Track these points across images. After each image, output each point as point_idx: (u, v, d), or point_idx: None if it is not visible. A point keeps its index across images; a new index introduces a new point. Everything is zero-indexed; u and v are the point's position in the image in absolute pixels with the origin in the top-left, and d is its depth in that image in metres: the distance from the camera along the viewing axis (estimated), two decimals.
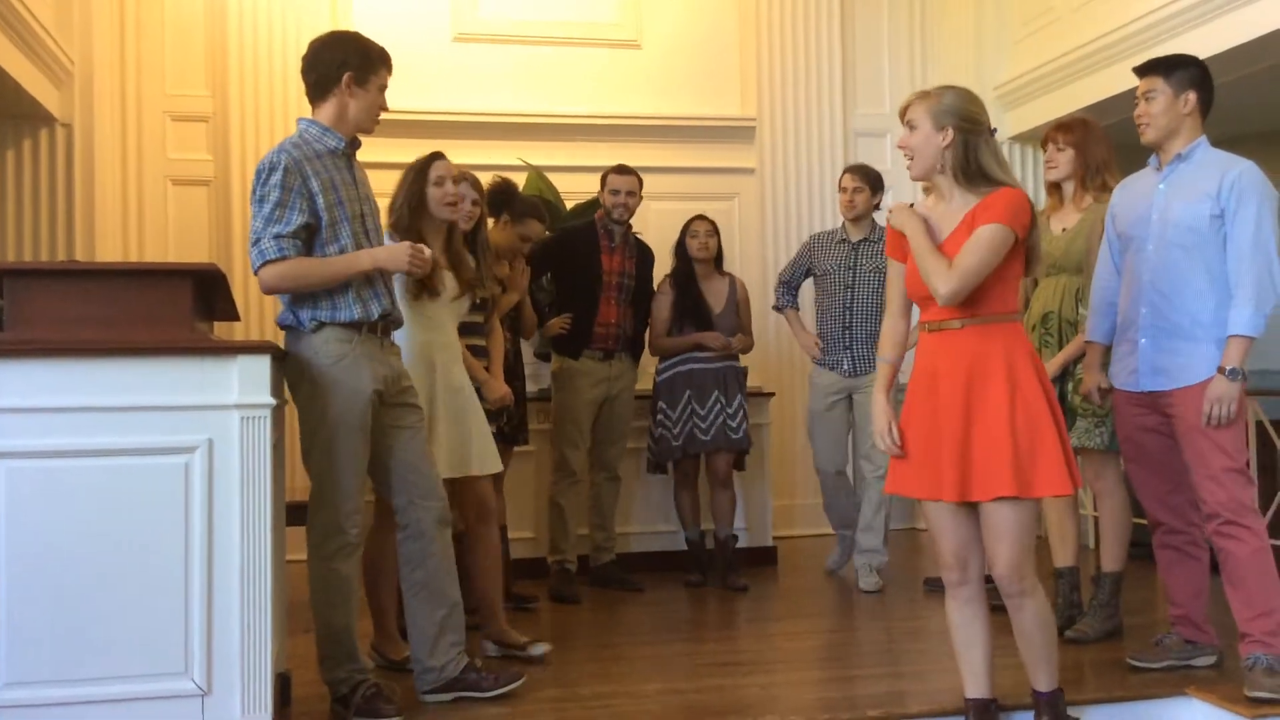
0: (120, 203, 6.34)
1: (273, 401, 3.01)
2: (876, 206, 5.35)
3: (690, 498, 5.48)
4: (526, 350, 5.26)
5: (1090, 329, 3.88)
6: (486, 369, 4.32)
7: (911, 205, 3.18)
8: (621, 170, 5.31)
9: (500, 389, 4.33)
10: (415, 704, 3.42)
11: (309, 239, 3.24)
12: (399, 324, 3.50)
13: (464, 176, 4.62)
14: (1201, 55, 3.76)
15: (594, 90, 6.92)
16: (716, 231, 5.49)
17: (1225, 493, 3.43)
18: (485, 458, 3.97)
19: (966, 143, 2.97)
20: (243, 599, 2.95)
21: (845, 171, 5.43)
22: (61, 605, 2.86)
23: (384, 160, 5.86)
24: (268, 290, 3.24)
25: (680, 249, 5.47)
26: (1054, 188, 4.36)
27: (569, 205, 6.15)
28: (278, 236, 3.16)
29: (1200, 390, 3.44)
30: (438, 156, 3.99)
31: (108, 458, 2.89)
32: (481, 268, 4.20)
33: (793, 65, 7.12)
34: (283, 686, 3.40)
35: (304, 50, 3.41)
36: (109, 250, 6.11)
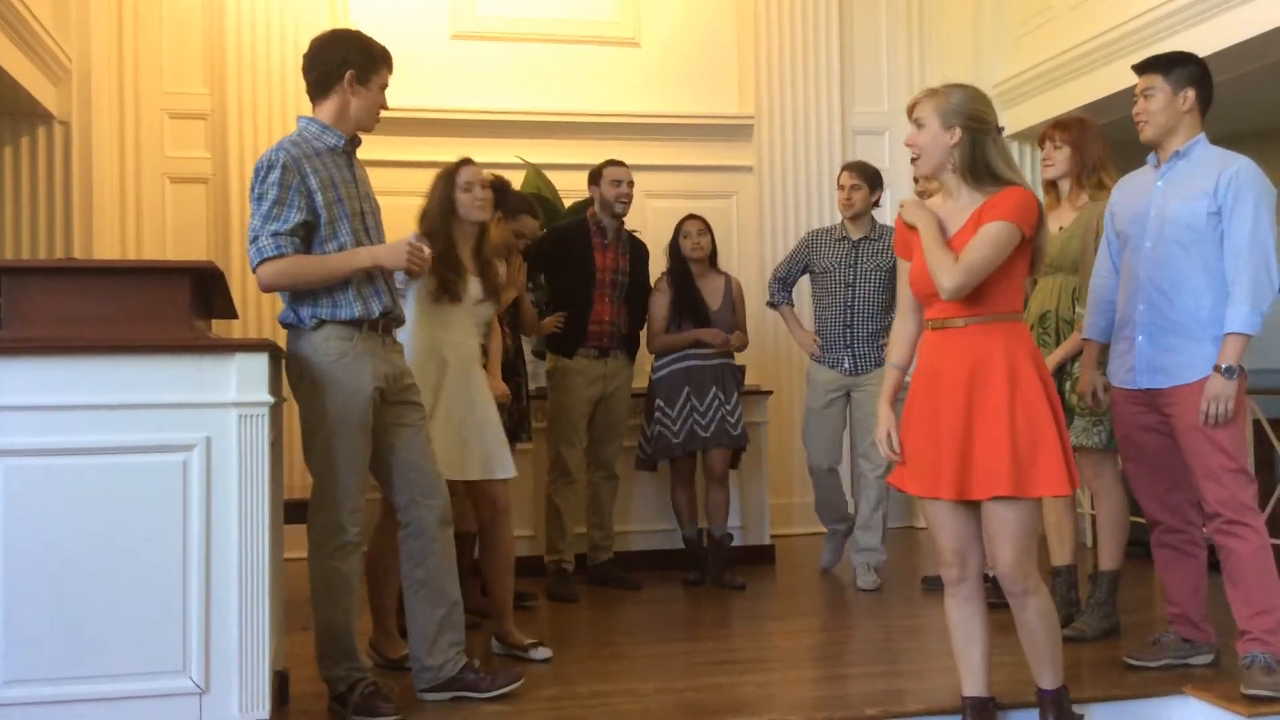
0: (118, 200, 6.34)
1: (271, 399, 3.01)
2: (875, 204, 5.35)
3: (687, 496, 5.48)
4: (526, 347, 5.25)
5: (1087, 327, 3.88)
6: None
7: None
8: (617, 162, 5.31)
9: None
10: (413, 703, 3.42)
11: (308, 237, 3.24)
12: (401, 322, 3.50)
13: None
14: (1199, 53, 3.76)
15: (592, 88, 6.92)
16: (709, 230, 5.48)
17: (1226, 492, 3.43)
18: (501, 462, 3.98)
19: (974, 142, 2.97)
20: (241, 597, 2.95)
21: (843, 169, 5.42)
22: (60, 603, 2.86)
23: (382, 158, 5.89)
24: (265, 288, 3.24)
25: (674, 249, 5.47)
26: (1051, 186, 4.37)
27: (567, 204, 6.15)
28: (275, 234, 3.16)
29: (1198, 388, 3.44)
30: (466, 162, 4.04)
31: (106, 455, 2.89)
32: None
33: (791, 63, 7.11)
34: (281, 684, 3.40)
35: (302, 48, 3.41)
36: (107, 248, 6.10)
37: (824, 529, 5.59)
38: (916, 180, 5.09)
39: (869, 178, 5.30)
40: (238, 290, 5.35)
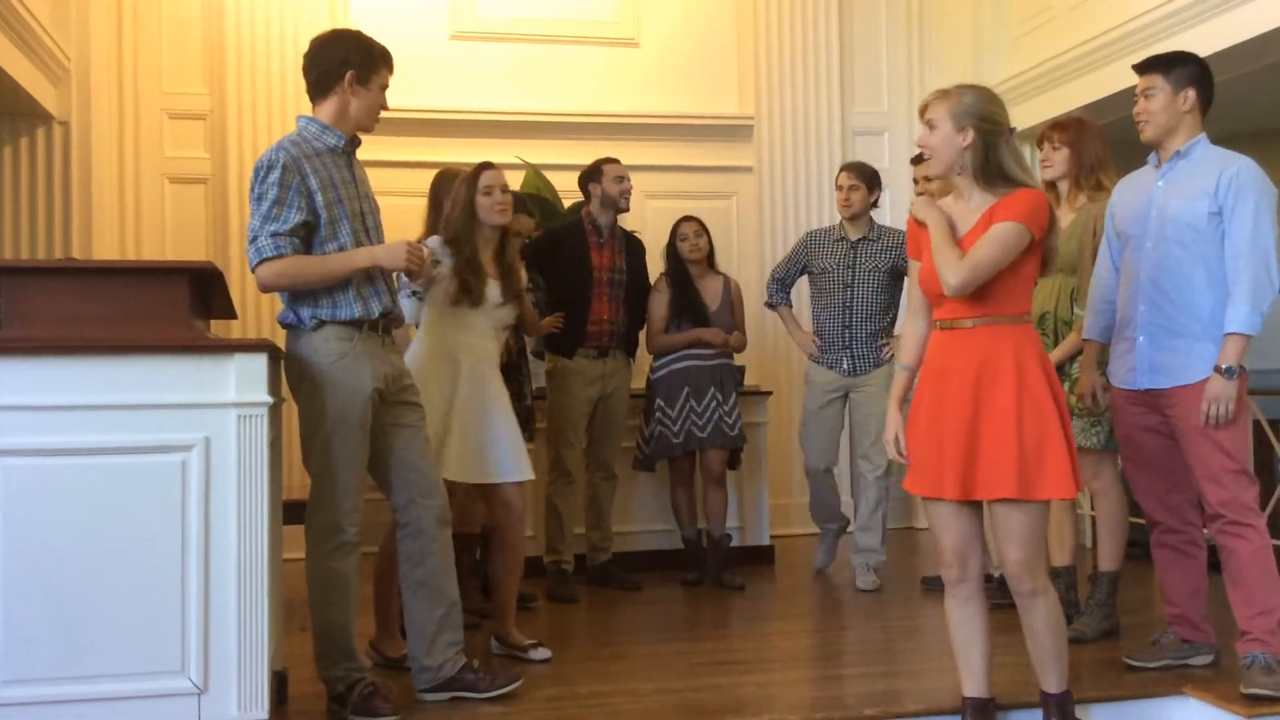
0: (117, 200, 6.33)
1: (270, 400, 3.01)
2: (874, 204, 5.34)
3: (686, 496, 5.48)
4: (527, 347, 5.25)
5: (1087, 327, 3.88)
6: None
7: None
8: (613, 159, 5.31)
9: None
10: (412, 703, 3.42)
11: (307, 237, 3.23)
12: (400, 322, 3.50)
13: (459, 174, 4.63)
14: (1199, 54, 3.76)
15: (592, 88, 6.92)
16: (705, 231, 5.48)
17: (1227, 493, 3.43)
18: (518, 465, 3.98)
19: (987, 143, 2.97)
20: (240, 597, 2.94)
21: (841, 169, 5.42)
22: (58, 603, 2.85)
23: (382, 158, 5.89)
24: (265, 288, 3.24)
25: (671, 251, 5.47)
26: (1049, 187, 4.36)
27: (567, 204, 6.15)
28: (275, 234, 3.16)
29: (1200, 389, 3.44)
30: (487, 166, 4.05)
31: (104, 456, 2.89)
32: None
33: (790, 63, 7.11)
34: (279, 685, 3.40)
35: (302, 48, 3.41)
36: (106, 248, 6.10)
37: (831, 522, 5.54)
38: (916, 181, 5.12)
39: (867, 178, 5.30)
40: (237, 290, 5.34)
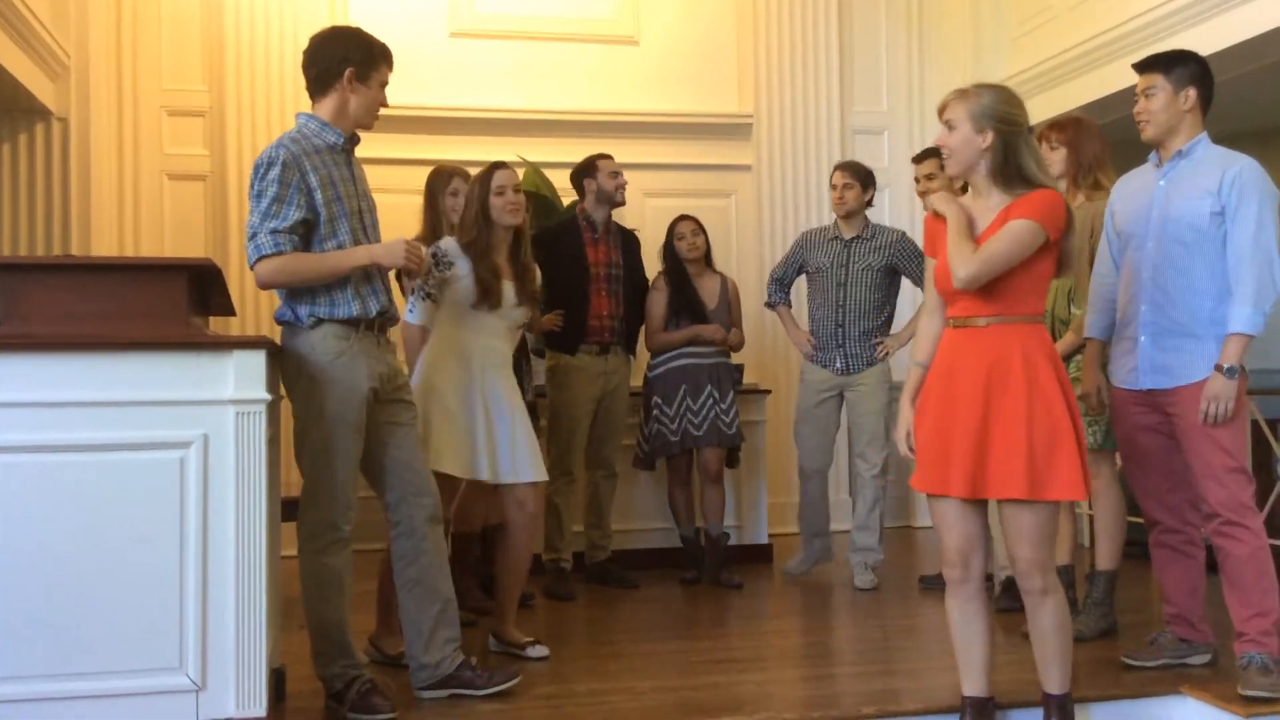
0: (116, 197, 6.33)
1: (268, 397, 3.00)
2: (868, 203, 5.34)
3: (684, 495, 5.48)
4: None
5: (1089, 325, 3.87)
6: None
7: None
8: (605, 155, 5.31)
9: None
10: (410, 700, 3.42)
11: (306, 235, 3.23)
12: (395, 321, 3.50)
13: (455, 173, 4.63)
14: (1199, 53, 3.75)
15: (591, 87, 6.92)
16: (702, 230, 5.48)
17: (1226, 492, 3.43)
18: (533, 465, 3.98)
19: (1006, 144, 2.96)
20: (238, 594, 2.94)
21: (835, 168, 5.42)
22: (56, 600, 2.85)
23: (381, 156, 5.88)
24: (263, 285, 3.24)
25: (668, 250, 5.47)
26: None
27: (566, 202, 6.14)
28: (274, 232, 3.15)
29: (1200, 389, 3.44)
30: (499, 165, 4.04)
31: (103, 453, 2.88)
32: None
33: (790, 62, 7.11)
34: (278, 682, 3.40)
35: (301, 45, 3.41)
36: (105, 245, 6.10)
37: (817, 531, 5.45)
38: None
39: (861, 177, 5.30)
40: (235, 287, 5.34)
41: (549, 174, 6.30)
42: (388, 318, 3.42)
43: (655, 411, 5.35)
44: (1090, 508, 4.43)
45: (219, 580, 2.94)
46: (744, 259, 7.01)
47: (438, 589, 3.46)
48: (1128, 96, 3.98)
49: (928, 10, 7.39)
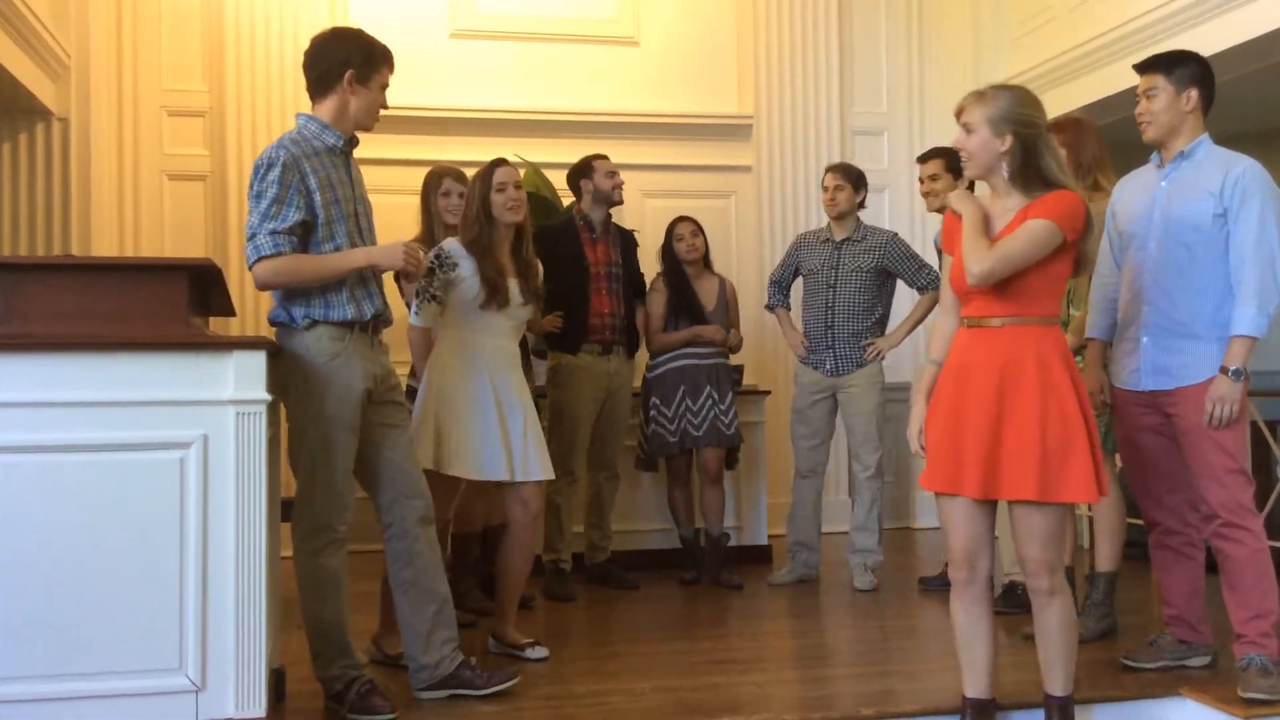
0: (116, 197, 6.33)
1: (268, 397, 3.00)
2: (860, 205, 5.34)
3: (684, 495, 5.48)
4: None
5: (1090, 325, 3.87)
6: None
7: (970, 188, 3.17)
8: (601, 156, 5.31)
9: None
10: (410, 701, 3.42)
11: (305, 236, 3.23)
12: (389, 323, 3.49)
13: (446, 173, 4.63)
14: (1200, 54, 3.75)
15: (591, 87, 6.92)
16: (701, 231, 5.49)
17: (1226, 494, 3.43)
18: (541, 463, 3.97)
19: (1025, 147, 2.95)
20: (238, 595, 2.94)
21: (827, 170, 5.43)
22: (56, 600, 2.85)
23: (381, 156, 5.89)
24: (262, 286, 3.24)
25: (667, 251, 5.47)
26: None
27: (566, 203, 6.14)
28: (274, 232, 3.15)
29: (1202, 390, 3.44)
30: (500, 163, 4.02)
31: (103, 453, 2.88)
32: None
33: (790, 63, 7.12)
34: (278, 682, 3.40)
35: (302, 45, 3.40)
36: (105, 245, 6.10)
37: (804, 539, 5.38)
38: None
39: (852, 178, 5.30)
40: (235, 287, 5.34)
41: (549, 174, 6.31)
42: (382, 320, 3.42)
43: (654, 412, 5.35)
44: (1090, 509, 4.43)
45: (219, 580, 2.94)
46: (744, 260, 7.01)
47: (434, 589, 3.46)
48: (1128, 97, 3.98)
49: (928, 10, 7.40)
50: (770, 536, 6.03)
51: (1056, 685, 3.04)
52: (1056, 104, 6.19)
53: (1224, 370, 3.41)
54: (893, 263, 5.24)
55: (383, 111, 3.45)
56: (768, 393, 6.12)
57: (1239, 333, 3.40)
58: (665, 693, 3.53)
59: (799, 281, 5.50)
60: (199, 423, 2.94)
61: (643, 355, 5.53)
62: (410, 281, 4.04)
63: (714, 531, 5.39)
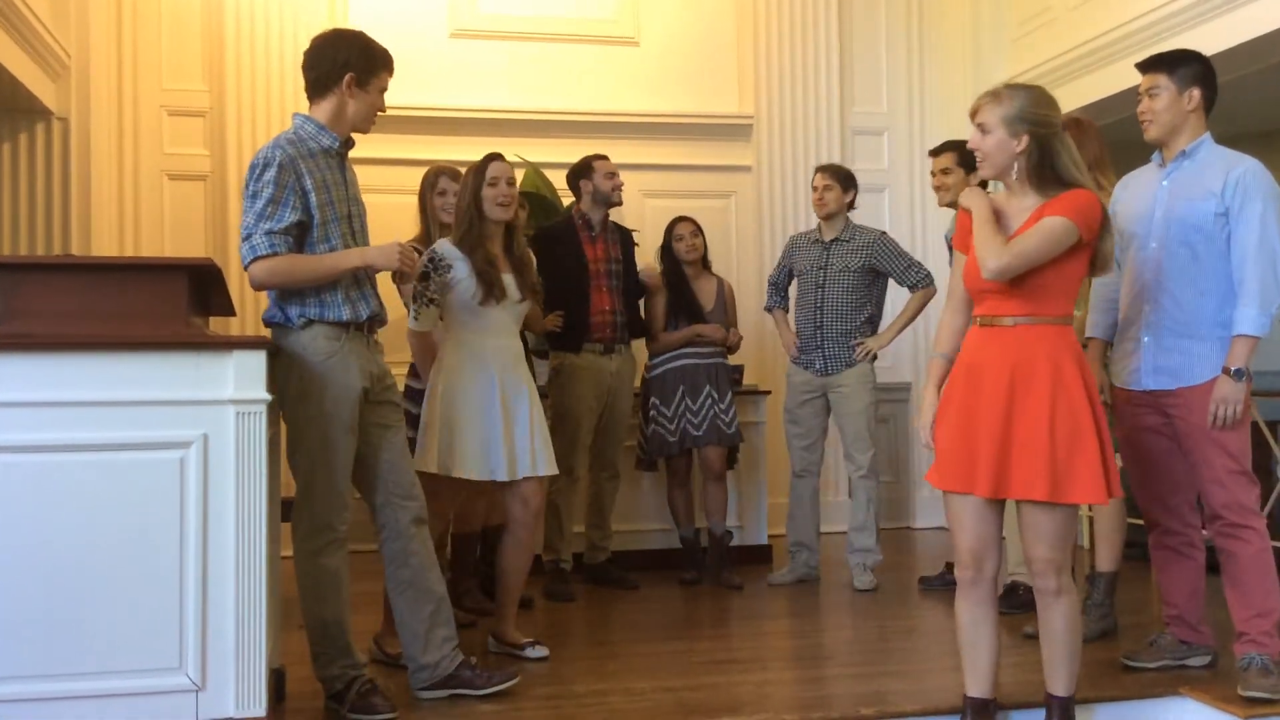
0: (116, 197, 6.33)
1: (268, 397, 3.00)
2: (850, 205, 5.33)
3: (684, 495, 5.48)
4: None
5: (1091, 325, 3.86)
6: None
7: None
8: (601, 156, 5.31)
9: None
10: (410, 701, 3.42)
11: (300, 237, 3.22)
12: (384, 324, 3.49)
13: (442, 172, 4.62)
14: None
15: (591, 87, 6.92)
16: (701, 231, 5.50)
17: (1229, 494, 3.43)
18: (547, 458, 3.97)
19: (1041, 147, 2.94)
20: (238, 594, 2.94)
21: (816, 170, 5.44)
22: (55, 600, 2.85)
23: (380, 156, 5.89)
24: (257, 286, 3.24)
25: (667, 251, 5.47)
26: None
27: (566, 202, 6.14)
28: (269, 233, 3.15)
29: (1204, 390, 3.44)
30: (495, 157, 4.01)
31: (103, 452, 2.88)
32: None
33: (790, 63, 7.11)
34: (278, 682, 3.40)
35: (302, 45, 3.40)
36: (105, 245, 6.09)
37: (803, 539, 5.38)
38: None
39: (841, 178, 5.31)
40: (235, 287, 5.33)
41: (549, 174, 6.31)
42: (377, 320, 3.42)
43: (653, 413, 5.35)
44: (1090, 509, 4.42)
45: (219, 580, 2.94)
46: (744, 259, 7.01)
47: (431, 589, 3.46)
48: (1128, 98, 3.98)
49: (928, 10, 7.39)
50: (770, 536, 6.03)
51: (1059, 685, 3.04)
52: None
53: (1226, 371, 3.40)
54: (881, 261, 5.24)
55: (381, 113, 3.44)
56: (768, 393, 6.11)
57: (1241, 333, 3.39)
58: (665, 693, 3.53)
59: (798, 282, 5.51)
60: (199, 422, 2.94)
61: (642, 356, 5.53)
62: (405, 283, 4.04)
63: (716, 530, 5.39)
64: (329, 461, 3.25)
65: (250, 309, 6.13)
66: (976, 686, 3.08)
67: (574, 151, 5.61)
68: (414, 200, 4.72)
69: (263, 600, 2.97)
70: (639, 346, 5.51)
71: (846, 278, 5.23)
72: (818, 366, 5.28)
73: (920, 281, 5.22)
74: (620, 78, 6.97)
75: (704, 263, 5.54)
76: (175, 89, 6.47)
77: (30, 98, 5.48)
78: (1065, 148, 2.97)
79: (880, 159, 7.24)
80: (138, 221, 6.40)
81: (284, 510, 3.65)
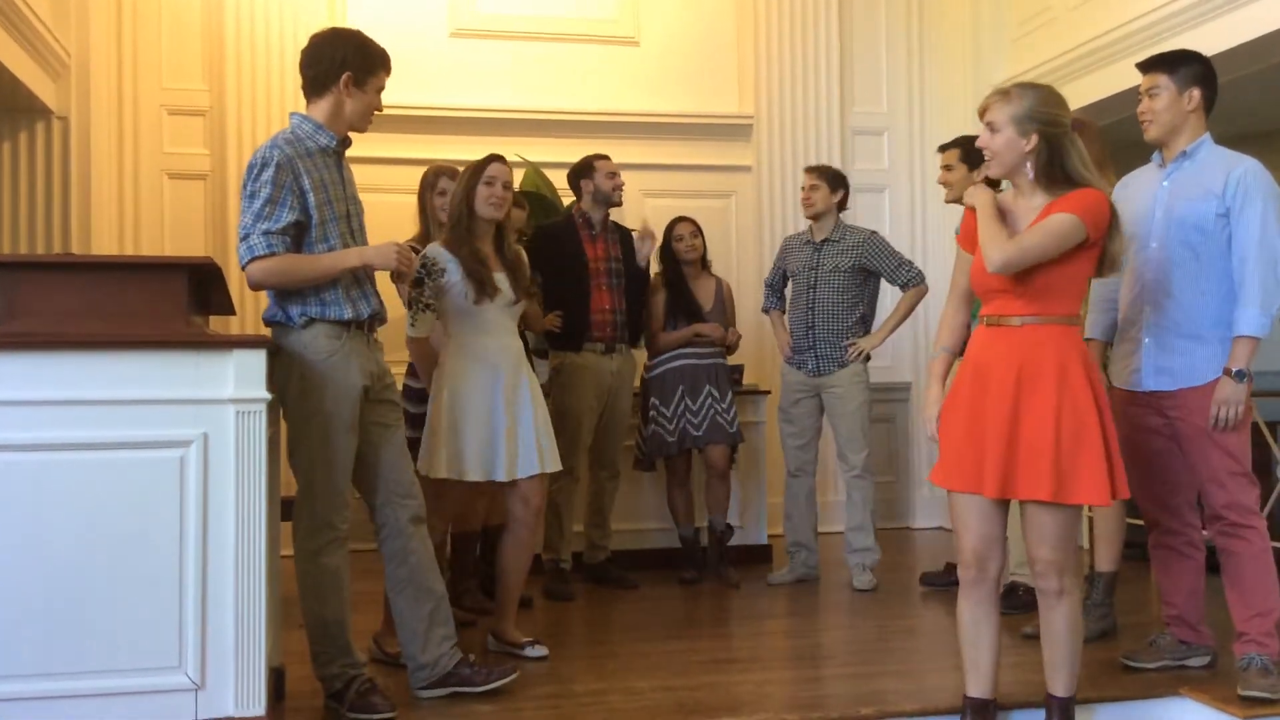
0: (116, 196, 6.33)
1: (268, 396, 3.00)
2: (839, 205, 5.33)
3: (683, 495, 5.48)
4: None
5: (1091, 325, 3.86)
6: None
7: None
8: (602, 156, 5.31)
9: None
10: (409, 699, 3.42)
11: (298, 237, 3.22)
12: (385, 322, 3.49)
13: (442, 171, 4.62)
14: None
15: (591, 87, 6.92)
16: (700, 231, 5.50)
17: (1230, 495, 3.43)
18: (551, 456, 3.97)
19: (1051, 146, 2.94)
20: (237, 593, 2.94)
21: (804, 171, 5.44)
22: (56, 599, 2.85)
23: (380, 155, 5.89)
24: (255, 286, 3.24)
25: (666, 251, 5.47)
26: None
27: (566, 202, 6.14)
28: (267, 233, 3.15)
29: (1205, 391, 3.44)
30: (496, 159, 4.01)
31: (102, 451, 2.88)
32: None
33: (790, 63, 7.11)
34: (277, 681, 3.40)
35: (301, 44, 3.39)
36: (104, 244, 6.09)
37: (821, 530, 5.46)
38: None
39: (828, 178, 5.31)
40: (235, 286, 5.33)
41: (549, 174, 6.31)
42: (377, 319, 3.42)
43: (652, 413, 5.35)
44: (1090, 509, 4.42)
45: (219, 579, 2.94)
46: (743, 259, 7.01)
47: (429, 587, 3.46)
48: (1129, 98, 3.97)
49: (928, 10, 7.39)
50: (770, 536, 6.03)
51: (1060, 686, 3.04)
52: None
53: (1227, 372, 3.40)
54: (871, 261, 5.23)
55: (383, 110, 3.44)
56: (767, 393, 6.11)
57: (1242, 333, 3.39)
58: (664, 692, 3.53)
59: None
60: (199, 421, 2.94)
61: (641, 356, 5.53)
62: (403, 281, 4.04)
63: (717, 524, 5.39)
64: (329, 460, 3.25)
65: (250, 308, 6.13)
66: (977, 687, 3.08)
67: (574, 151, 5.61)
68: (413, 200, 4.72)
69: (262, 599, 2.97)
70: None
71: (837, 278, 5.23)
72: (811, 367, 5.28)
73: (912, 280, 5.22)
74: (620, 78, 6.97)
75: (703, 263, 5.54)
76: (175, 88, 6.46)
77: (30, 97, 5.48)
78: (1075, 147, 2.97)
79: (880, 159, 7.24)
80: (138, 221, 6.40)
81: (284, 509, 3.65)
